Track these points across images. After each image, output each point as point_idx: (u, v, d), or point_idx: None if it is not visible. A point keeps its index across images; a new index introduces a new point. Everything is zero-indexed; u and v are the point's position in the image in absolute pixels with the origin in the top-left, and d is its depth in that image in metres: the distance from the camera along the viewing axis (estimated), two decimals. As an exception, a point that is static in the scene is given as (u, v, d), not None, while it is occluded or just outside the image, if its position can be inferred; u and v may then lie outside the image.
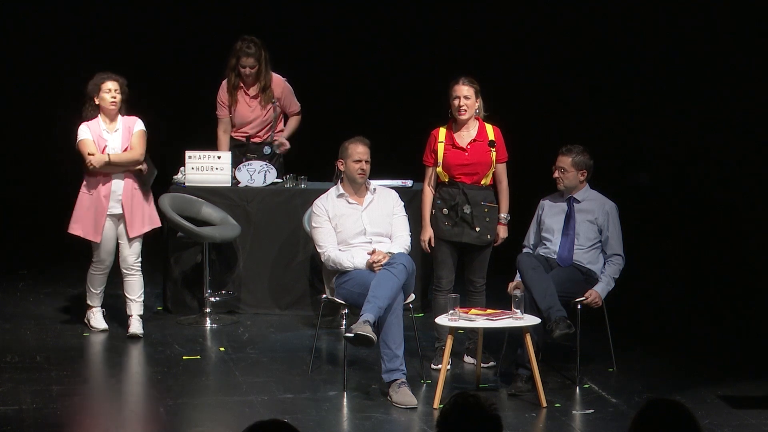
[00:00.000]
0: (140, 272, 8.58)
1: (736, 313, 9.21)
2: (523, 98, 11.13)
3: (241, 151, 9.42)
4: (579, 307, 7.65)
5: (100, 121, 8.46)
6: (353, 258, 7.61)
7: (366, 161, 7.78)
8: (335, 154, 7.91)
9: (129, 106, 8.53)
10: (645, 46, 10.95)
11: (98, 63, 8.98)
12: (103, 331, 8.65)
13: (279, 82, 9.43)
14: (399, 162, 9.13)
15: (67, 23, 11.88)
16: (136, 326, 8.56)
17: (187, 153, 9.18)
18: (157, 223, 8.64)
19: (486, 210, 7.88)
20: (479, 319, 7.28)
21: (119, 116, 8.49)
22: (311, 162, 9.64)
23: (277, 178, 9.31)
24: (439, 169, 7.90)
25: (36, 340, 8.52)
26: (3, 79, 11.92)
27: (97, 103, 8.43)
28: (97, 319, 8.69)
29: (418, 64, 11.68)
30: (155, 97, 10.22)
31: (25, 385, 7.42)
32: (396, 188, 8.31)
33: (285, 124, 9.58)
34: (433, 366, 7.86)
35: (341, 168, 7.87)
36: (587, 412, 7.14)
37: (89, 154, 8.35)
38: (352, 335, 7.11)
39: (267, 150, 9.39)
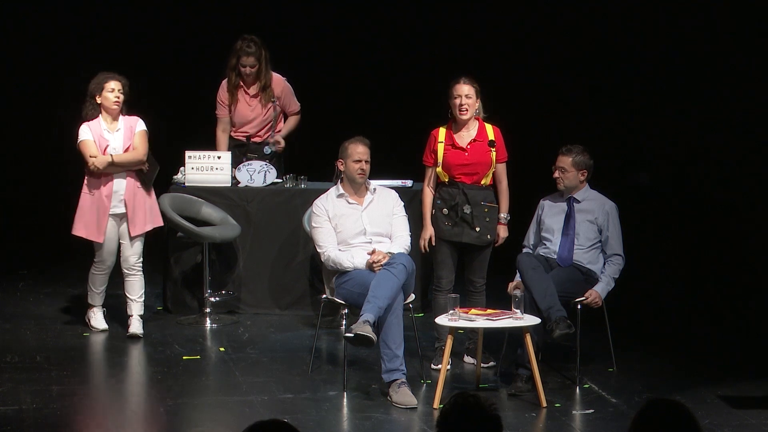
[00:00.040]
0: (141, 272, 8.58)
1: (736, 313, 9.21)
2: (523, 98, 11.13)
3: (242, 151, 9.42)
4: (579, 307, 7.65)
5: (101, 120, 8.45)
6: (353, 258, 7.61)
7: (366, 161, 7.78)
8: (335, 154, 7.91)
9: (129, 106, 8.53)
10: (645, 46, 10.95)
11: (98, 63, 8.98)
12: (103, 331, 8.65)
13: (279, 82, 9.43)
14: (399, 162, 9.13)
15: (67, 23, 11.87)
16: (136, 326, 8.56)
17: (187, 153, 9.18)
18: (160, 222, 8.64)
19: (486, 210, 7.88)
20: (479, 319, 7.28)
21: (120, 116, 8.49)
22: (311, 162, 9.64)
23: (277, 178, 9.32)
24: (439, 169, 7.90)
25: (36, 340, 8.52)
26: (3, 79, 11.91)
27: (98, 102, 8.43)
28: (97, 319, 8.69)
29: (418, 64, 11.67)
30: (155, 97, 10.21)
31: (25, 385, 7.42)
32: (396, 188, 8.31)
33: (285, 124, 9.61)
34: (433, 366, 7.86)
35: (341, 168, 7.88)
36: (587, 412, 7.14)
37: (91, 156, 8.35)
38: (352, 335, 7.11)
39: (267, 150, 9.39)
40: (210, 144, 9.48)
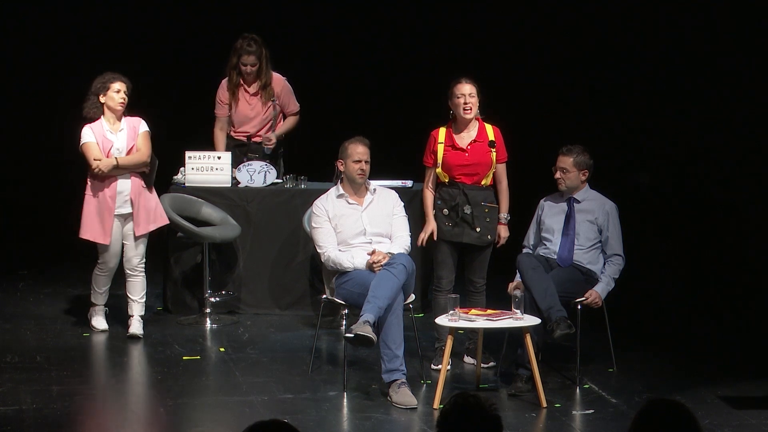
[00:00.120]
0: (144, 273, 8.58)
1: (736, 313, 9.21)
2: (523, 98, 11.12)
3: (242, 151, 9.42)
4: (579, 307, 7.65)
5: (103, 121, 8.44)
6: (353, 258, 7.61)
7: (366, 161, 7.78)
8: (335, 154, 7.91)
9: (129, 106, 8.53)
10: (645, 46, 10.94)
11: (98, 63, 8.98)
12: (103, 331, 8.65)
13: (279, 81, 9.44)
14: (399, 162, 9.13)
15: (67, 23, 11.87)
16: (136, 326, 8.56)
17: (187, 153, 9.18)
18: (165, 221, 8.63)
19: (486, 210, 7.88)
20: (479, 320, 7.28)
21: (123, 116, 8.48)
22: (311, 162, 9.64)
23: (277, 178, 9.32)
24: (439, 169, 7.90)
25: (36, 340, 8.52)
26: (3, 79, 11.91)
27: (102, 101, 8.42)
28: (98, 318, 8.69)
29: (418, 64, 11.67)
30: (155, 96, 10.21)
31: (25, 385, 7.42)
32: (396, 188, 8.32)
33: (285, 124, 9.61)
34: (433, 366, 7.86)
35: (341, 168, 7.87)
36: (587, 412, 7.14)
37: (95, 159, 8.34)
38: (352, 335, 7.11)
39: (268, 150, 9.39)
40: (210, 144, 9.48)
